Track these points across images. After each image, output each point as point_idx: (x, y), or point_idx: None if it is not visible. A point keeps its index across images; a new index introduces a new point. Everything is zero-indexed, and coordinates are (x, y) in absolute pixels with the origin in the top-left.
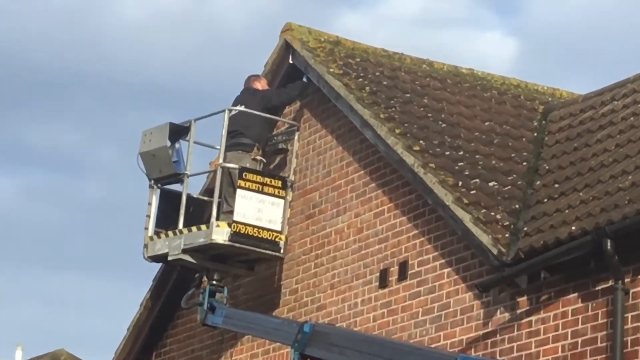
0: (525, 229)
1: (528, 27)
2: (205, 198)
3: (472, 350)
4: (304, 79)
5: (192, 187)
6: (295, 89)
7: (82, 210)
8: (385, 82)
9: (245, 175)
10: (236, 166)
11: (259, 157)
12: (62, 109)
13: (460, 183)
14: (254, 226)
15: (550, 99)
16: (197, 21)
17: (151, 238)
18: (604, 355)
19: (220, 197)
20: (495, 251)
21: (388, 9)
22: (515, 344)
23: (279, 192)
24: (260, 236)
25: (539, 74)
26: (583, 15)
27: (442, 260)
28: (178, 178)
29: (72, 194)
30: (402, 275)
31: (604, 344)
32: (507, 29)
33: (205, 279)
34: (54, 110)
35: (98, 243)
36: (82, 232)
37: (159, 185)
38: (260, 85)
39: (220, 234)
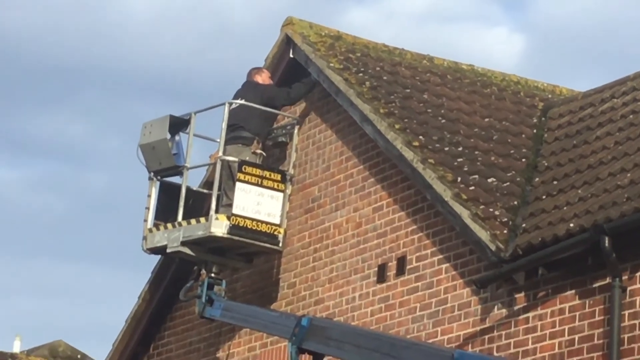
0: (523, 225)
1: (535, 24)
2: (205, 191)
3: (469, 346)
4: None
5: (191, 179)
6: (298, 92)
7: (85, 201)
8: (385, 77)
9: (245, 169)
10: (236, 159)
11: (258, 151)
12: (67, 100)
13: (459, 179)
14: (252, 219)
15: (550, 95)
16: (203, 15)
17: (150, 230)
18: (600, 353)
19: (219, 190)
20: (493, 247)
21: (395, 5)
22: (512, 340)
23: (278, 186)
24: (259, 229)
25: (545, 71)
26: (590, 11)
27: (440, 256)
28: (177, 170)
29: (75, 184)
30: (400, 270)
31: (601, 341)
32: (515, 25)
33: (203, 271)
34: (58, 101)
35: (99, 234)
36: (84, 223)
37: (159, 177)
38: (262, 78)
39: (219, 226)
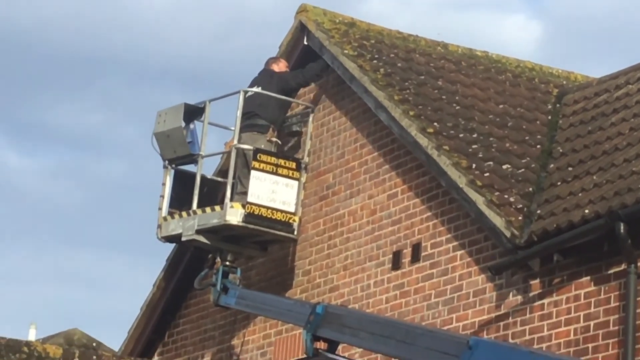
0: (538, 211)
1: (552, 11)
2: (219, 179)
3: (485, 332)
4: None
5: (206, 168)
6: (312, 70)
7: (103, 190)
8: (399, 64)
9: (260, 157)
10: (250, 147)
11: (273, 139)
12: (85, 89)
13: (473, 165)
14: (267, 207)
15: (564, 82)
16: (219, 3)
17: (165, 218)
18: (616, 339)
19: (234, 178)
20: (508, 234)
21: None
22: (527, 327)
23: (292, 174)
24: (273, 217)
25: (562, 58)
26: None
27: (455, 243)
28: (192, 159)
29: (93, 173)
30: (415, 257)
31: (616, 328)
32: (532, 12)
33: (218, 259)
34: (77, 89)
35: (116, 222)
36: (101, 211)
37: (173, 165)
38: (278, 67)
39: (234, 215)
